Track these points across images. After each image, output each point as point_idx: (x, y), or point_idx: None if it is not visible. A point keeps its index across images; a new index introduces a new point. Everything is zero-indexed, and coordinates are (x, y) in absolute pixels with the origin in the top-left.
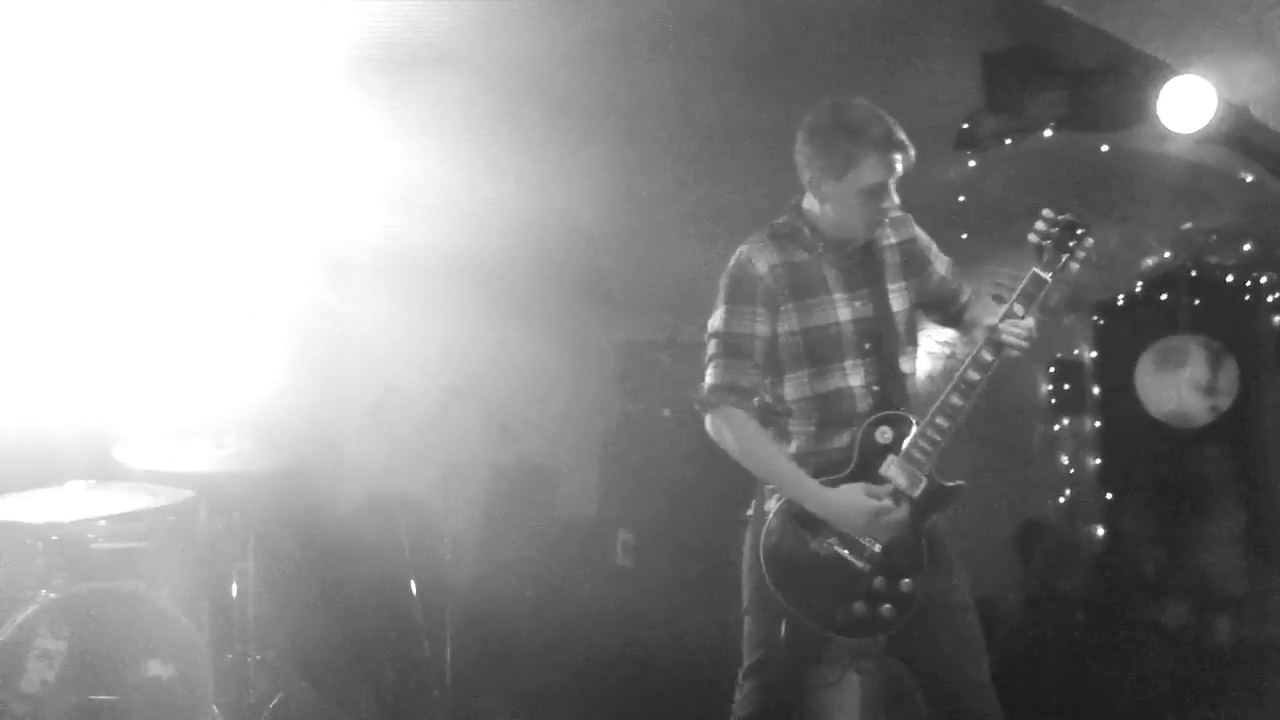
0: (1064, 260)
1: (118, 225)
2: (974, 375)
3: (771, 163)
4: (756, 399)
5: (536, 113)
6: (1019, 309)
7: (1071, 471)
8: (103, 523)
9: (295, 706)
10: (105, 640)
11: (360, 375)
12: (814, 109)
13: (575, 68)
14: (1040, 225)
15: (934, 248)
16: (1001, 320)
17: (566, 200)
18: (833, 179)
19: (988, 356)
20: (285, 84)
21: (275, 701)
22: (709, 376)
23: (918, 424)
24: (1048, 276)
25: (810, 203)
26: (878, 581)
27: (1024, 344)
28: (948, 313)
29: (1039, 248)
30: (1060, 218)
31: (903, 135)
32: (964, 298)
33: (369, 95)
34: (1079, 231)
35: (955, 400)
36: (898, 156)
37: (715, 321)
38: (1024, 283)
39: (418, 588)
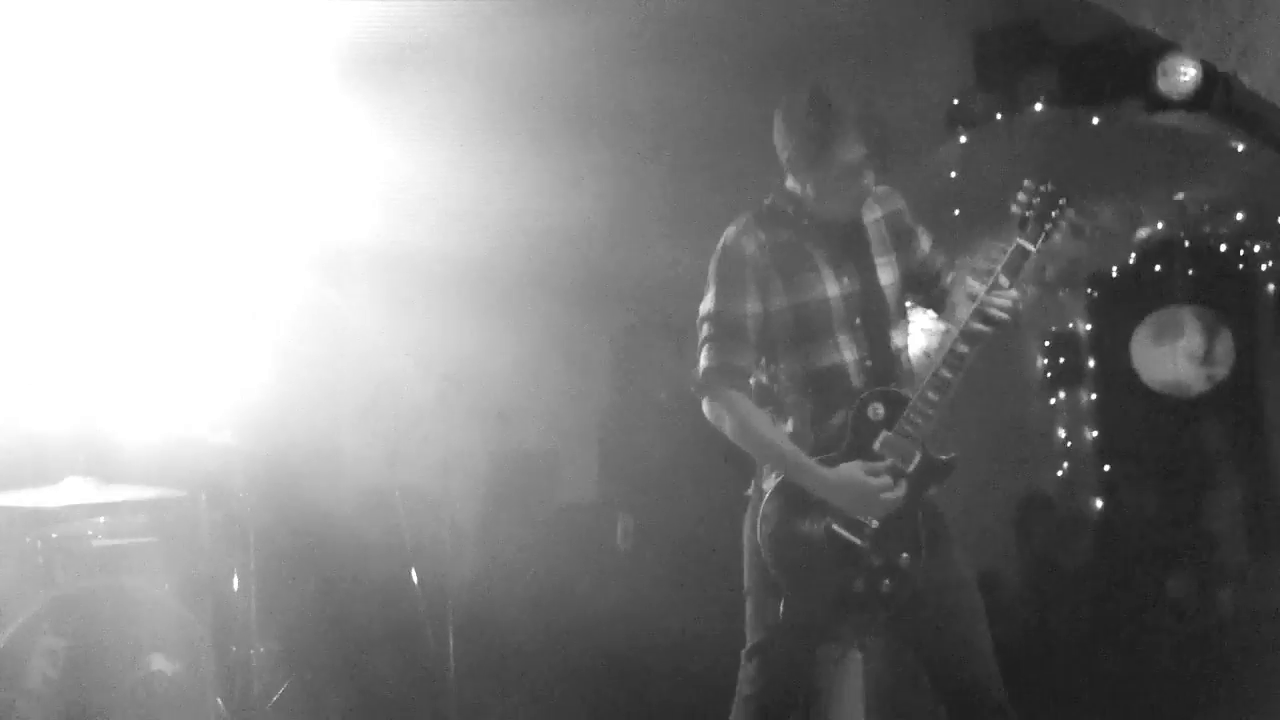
0: (1046, 230)
1: (113, 223)
2: (963, 348)
3: (759, 151)
4: (752, 379)
5: (524, 110)
6: (1004, 280)
7: (1069, 445)
8: (102, 519)
9: (299, 699)
10: (108, 637)
11: (357, 367)
12: (788, 92)
13: (564, 68)
14: (1021, 196)
15: (919, 225)
16: (987, 292)
17: (555, 192)
18: (807, 161)
19: (977, 328)
20: (279, 82)
21: (279, 694)
22: (703, 359)
23: (909, 399)
24: (1031, 247)
25: (792, 183)
26: (876, 559)
27: (1008, 316)
28: (930, 293)
29: (1022, 219)
30: (1041, 188)
31: (877, 112)
32: (947, 278)
33: (362, 93)
34: (1060, 201)
35: (945, 374)
36: (872, 134)
37: (706, 304)
38: (1008, 254)
39: (419, 576)
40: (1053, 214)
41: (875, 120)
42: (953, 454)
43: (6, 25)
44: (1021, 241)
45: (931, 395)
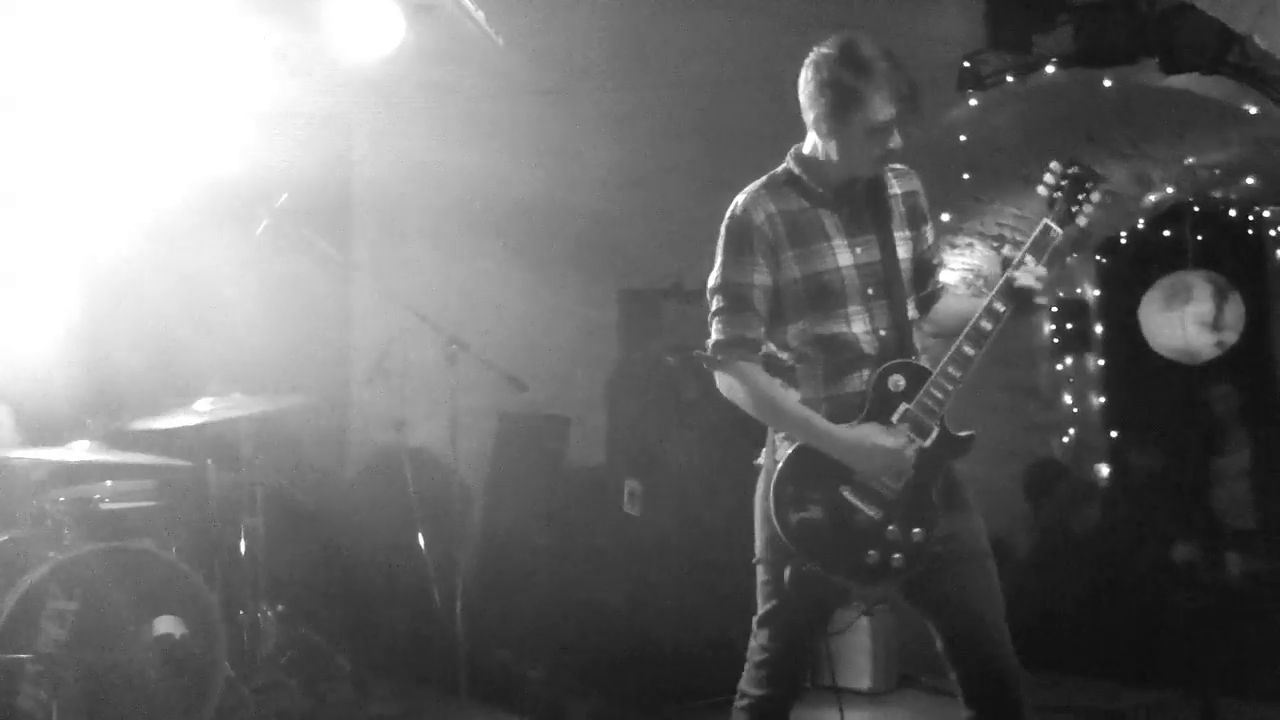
0: (1074, 212)
1: (117, 176)
2: (986, 325)
3: (772, 108)
4: (763, 349)
5: (538, 68)
6: (1030, 260)
7: (1075, 410)
8: (109, 483)
9: (307, 660)
10: (117, 599)
11: (366, 329)
12: (818, 44)
13: (573, 26)
14: (1049, 177)
15: (930, 216)
16: (1014, 269)
17: (568, 153)
18: (838, 117)
19: (1000, 306)
20: (269, 38)
21: (287, 656)
22: (714, 333)
23: (931, 373)
24: (1059, 229)
25: (810, 146)
26: (890, 530)
27: (1039, 289)
28: (919, 291)
29: (1050, 199)
30: (1070, 170)
31: (909, 71)
32: (937, 281)
33: (373, 52)
34: (1088, 185)
35: (967, 349)
36: (905, 93)
37: (715, 276)
38: (1035, 234)
39: (426, 538)
40: (1080, 196)
41: (907, 78)
42: (970, 431)
43: None
44: (1049, 223)
45: (953, 370)
